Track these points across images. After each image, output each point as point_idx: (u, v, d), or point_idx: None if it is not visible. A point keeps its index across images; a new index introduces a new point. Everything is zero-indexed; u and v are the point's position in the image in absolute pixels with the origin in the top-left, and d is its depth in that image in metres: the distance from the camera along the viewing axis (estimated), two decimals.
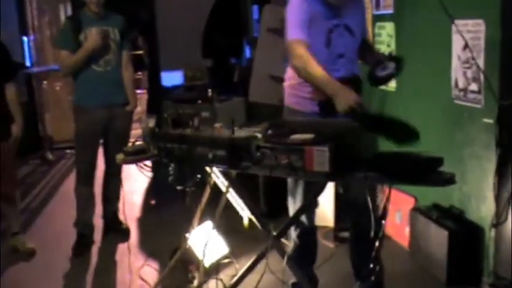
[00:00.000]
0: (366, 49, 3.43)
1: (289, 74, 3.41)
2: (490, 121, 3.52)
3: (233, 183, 3.32)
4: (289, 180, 3.48)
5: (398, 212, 4.49)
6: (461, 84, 3.79)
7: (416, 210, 4.19)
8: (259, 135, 2.74)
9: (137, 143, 3.26)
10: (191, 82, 8.10)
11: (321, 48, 3.20)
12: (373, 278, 3.01)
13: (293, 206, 3.50)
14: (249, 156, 2.66)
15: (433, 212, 4.02)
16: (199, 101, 3.21)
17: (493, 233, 3.59)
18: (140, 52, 9.27)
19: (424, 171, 2.45)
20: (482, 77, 3.55)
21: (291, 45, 3.17)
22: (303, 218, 3.48)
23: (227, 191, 3.55)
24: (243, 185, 3.43)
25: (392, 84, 4.63)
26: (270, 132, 2.79)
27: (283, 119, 3.33)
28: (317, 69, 3.05)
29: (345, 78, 3.19)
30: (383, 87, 4.06)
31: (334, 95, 2.98)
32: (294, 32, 3.18)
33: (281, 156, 2.60)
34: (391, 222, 4.58)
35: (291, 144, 2.61)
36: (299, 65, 3.11)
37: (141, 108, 8.96)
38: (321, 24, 3.20)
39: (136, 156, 3.17)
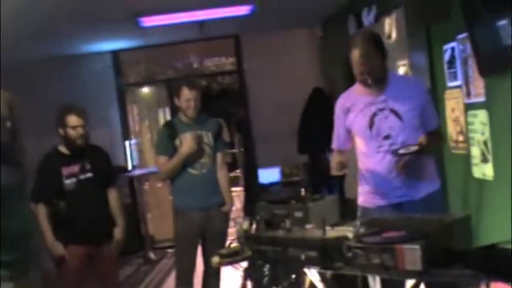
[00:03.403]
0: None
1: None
2: None
3: (328, 283, 3.30)
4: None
5: None
6: None
7: None
8: (350, 235, 2.74)
9: (232, 244, 3.32)
10: (288, 178, 8.19)
11: (365, 130, 3.61)
12: None
13: None
14: (341, 257, 2.66)
15: None
16: (293, 201, 3.27)
17: None
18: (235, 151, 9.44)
19: None
20: None
21: None
22: None
23: None
24: (341, 283, 3.39)
25: (489, 173, 4.52)
26: (361, 231, 2.80)
27: (374, 218, 3.31)
28: None
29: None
30: (478, 176, 4.00)
31: None
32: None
33: (373, 255, 2.59)
34: None
35: (382, 244, 2.59)
36: None
37: (240, 205, 9.11)
38: (364, 110, 3.61)
39: (231, 258, 3.23)
